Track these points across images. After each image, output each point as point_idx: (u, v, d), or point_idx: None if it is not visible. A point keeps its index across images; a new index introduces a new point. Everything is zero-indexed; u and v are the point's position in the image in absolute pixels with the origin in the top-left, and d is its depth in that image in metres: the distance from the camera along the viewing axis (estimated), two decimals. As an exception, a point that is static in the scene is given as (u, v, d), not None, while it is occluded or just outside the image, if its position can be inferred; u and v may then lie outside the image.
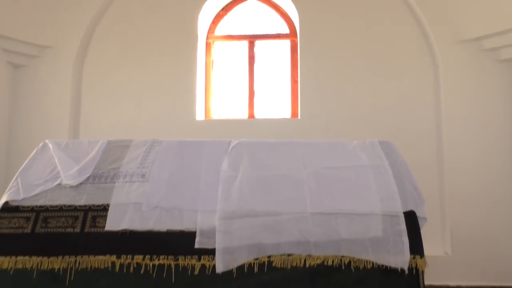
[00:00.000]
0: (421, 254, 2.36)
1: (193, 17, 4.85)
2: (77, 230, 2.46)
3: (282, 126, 4.67)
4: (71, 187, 2.61)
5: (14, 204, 2.58)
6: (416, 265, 2.33)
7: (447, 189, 4.30)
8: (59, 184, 2.63)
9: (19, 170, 2.77)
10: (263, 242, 2.35)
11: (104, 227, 2.45)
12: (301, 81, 4.69)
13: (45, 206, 2.56)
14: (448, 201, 4.28)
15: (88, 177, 2.66)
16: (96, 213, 2.51)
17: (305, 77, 4.68)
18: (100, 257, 2.37)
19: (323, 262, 2.32)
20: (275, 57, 5.04)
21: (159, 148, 2.81)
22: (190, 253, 2.35)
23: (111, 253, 2.37)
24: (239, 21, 5.12)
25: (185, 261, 2.33)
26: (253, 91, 4.94)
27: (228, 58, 5.10)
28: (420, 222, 2.50)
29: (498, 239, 4.16)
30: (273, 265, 2.32)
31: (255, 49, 5.00)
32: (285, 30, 5.03)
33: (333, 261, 2.32)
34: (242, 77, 4.99)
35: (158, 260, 2.34)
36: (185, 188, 2.58)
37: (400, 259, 2.31)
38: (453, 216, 4.24)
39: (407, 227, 2.37)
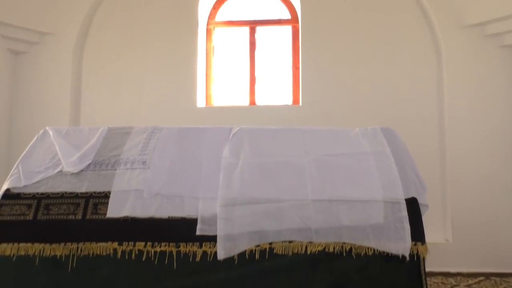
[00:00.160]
0: (423, 241, 2.35)
1: (193, 2, 4.81)
2: (79, 217, 2.46)
3: (283, 113, 4.66)
4: (72, 174, 2.61)
5: (16, 191, 2.58)
6: (417, 252, 2.33)
7: (449, 177, 4.30)
8: (60, 171, 2.63)
9: (20, 157, 2.77)
10: (264, 229, 2.35)
11: (105, 214, 2.45)
12: (302, 67, 4.66)
13: (46, 193, 2.56)
14: (450, 188, 4.28)
15: (89, 164, 2.65)
16: (97, 200, 2.50)
17: (307, 63, 4.65)
18: (102, 244, 2.37)
19: (324, 249, 2.32)
20: (277, 43, 5.00)
21: (160, 135, 2.80)
22: (191, 240, 2.35)
23: (112, 240, 2.37)
24: (240, 6, 5.08)
25: (186, 248, 2.34)
26: (254, 77, 4.92)
27: (229, 44, 5.06)
28: (422, 209, 2.49)
29: (499, 227, 4.17)
30: (274, 252, 2.32)
31: (256, 35, 4.96)
32: (287, 15, 4.99)
33: (334, 248, 2.32)
34: (243, 64, 4.96)
35: (160, 247, 2.34)
36: (186, 175, 2.58)
37: (401, 245, 2.31)
38: (454, 203, 4.25)
39: (408, 214, 2.36)
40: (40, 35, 4.73)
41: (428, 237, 2.41)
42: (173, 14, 4.80)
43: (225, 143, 2.71)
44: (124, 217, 2.43)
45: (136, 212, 2.44)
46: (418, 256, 2.32)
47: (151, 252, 2.34)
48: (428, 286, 2.44)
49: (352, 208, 2.39)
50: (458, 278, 3.80)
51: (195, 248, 2.33)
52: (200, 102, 4.79)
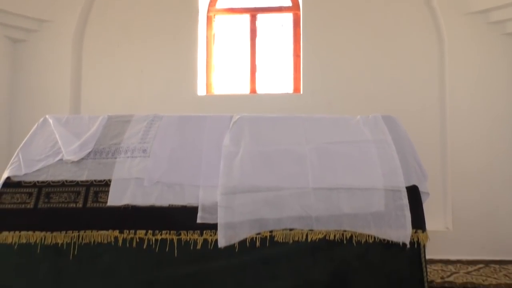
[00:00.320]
0: (423, 228, 2.36)
1: (193, -11, 4.76)
2: (80, 205, 2.46)
3: (284, 101, 4.64)
4: (72, 162, 2.61)
5: (16, 179, 2.58)
6: (418, 239, 2.33)
7: (449, 165, 4.30)
8: (61, 160, 2.63)
9: (20, 146, 2.76)
10: (264, 217, 2.36)
11: (106, 202, 2.45)
12: (303, 55, 4.64)
13: (47, 181, 2.56)
14: (450, 176, 4.28)
15: (89, 153, 2.65)
16: (98, 189, 2.51)
17: (308, 51, 4.62)
18: (103, 232, 2.38)
19: (325, 236, 2.33)
20: (277, 31, 4.97)
21: (160, 124, 2.79)
22: (192, 228, 2.35)
23: (113, 228, 2.38)
24: (240, -7, 5.02)
25: (187, 236, 2.34)
26: (255, 65, 4.89)
27: (230, 32, 5.02)
28: (423, 197, 2.49)
29: (498, 216, 4.18)
30: (275, 239, 2.33)
31: (257, 23, 4.92)
32: (288, 3, 4.94)
33: (335, 236, 2.32)
34: (244, 52, 4.93)
35: (161, 235, 2.35)
36: (187, 164, 2.58)
37: (402, 233, 2.31)
38: (454, 191, 4.25)
39: (409, 202, 2.36)
40: (39, 22, 4.69)
41: (428, 225, 2.41)
42: (173, 1, 4.76)
43: (225, 131, 2.71)
44: (125, 205, 2.44)
45: (137, 200, 2.45)
46: (418, 244, 2.33)
47: (152, 240, 2.35)
48: (428, 273, 2.45)
49: (353, 196, 2.39)
50: (458, 265, 3.81)
51: (196, 236, 2.34)
52: (201, 90, 4.77)
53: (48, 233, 2.39)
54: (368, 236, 2.32)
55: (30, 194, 2.52)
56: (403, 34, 4.54)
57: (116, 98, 4.69)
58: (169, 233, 2.35)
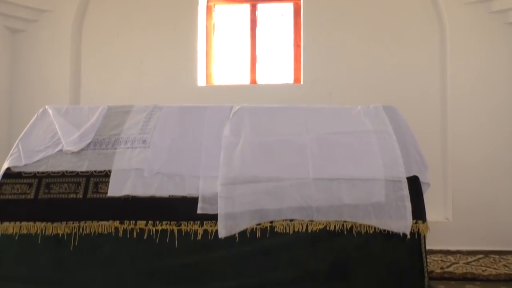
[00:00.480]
0: (423, 219, 2.36)
1: (193, -22, 4.72)
2: (80, 196, 2.46)
3: (284, 92, 4.62)
4: (72, 153, 2.60)
5: (16, 170, 2.58)
6: (418, 230, 2.33)
7: (450, 156, 4.29)
8: (60, 150, 2.62)
9: (20, 137, 2.76)
10: (265, 207, 2.36)
11: (106, 193, 2.45)
12: (304, 45, 4.61)
13: (47, 172, 2.56)
14: (451, 167, 4.27)
15: (89, 143, 2.64)
16: (98, 179, 2.51)
17: (308, 41, 4.59)
18: (104, 223, 2.38)
19: (325, 227, 2.33)
20: (278, 21, 4.93)
21: (160, 114, 2.78)
22: (192, 219, 2.36)
23: (114, 219, 2.38)
24: (240, -18, 4.98)
25: (187, 226, 2.35)
26: (255, 56, 4.86)
27: (230, 22, 4.99)
28: (423, 187, 2.49)
29: (499, 206, 4.19)
30: (275, 230, 2.33)
31: (257, 12, 4.89)
32: (288, -8, 4.90)
33: (335, 226, 2.33)
34: (244, 42, 4.90)
35: (161, 225, 2.36)
36: (187, 154, 2.57)
37: (402, 224, 2.31)
38: (455, 182, 4.25)
39: (410, 192, 2.36)
40: (38, 12, 4.66)
41: (428, 216, 2.41)
42: (173, -10, 4.73)
43: (225, 121, 2.70)
44: (125, 196, 2.43)
45: (137, 191, 2.44)
46: (418, 234, 2.33)
47: (152, 231, 2.35)
48: (428, 263, 2.45)
49: (354, 186, 2.39)
50: (458, 255, 3.83)
51: (196, 227, 2.34)
52: (201, 81, 4.75)
53: (49, 223, 2.39)
54: (369, 226, 2.32)
55: (30, 184, 2.52)
56: (405, 24, 4.51)
57: (116, 89, 4.67)
58: (170, 224, 2.36)
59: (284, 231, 2.33)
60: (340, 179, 2.41)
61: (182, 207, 2.39)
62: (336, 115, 2.77)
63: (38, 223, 2.40)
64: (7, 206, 2.47)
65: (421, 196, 2.42)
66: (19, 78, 4.68)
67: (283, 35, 4.90)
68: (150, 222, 2.36)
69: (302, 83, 4.62)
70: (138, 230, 2.35)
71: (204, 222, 2.35)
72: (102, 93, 4.66)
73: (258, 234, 2.32)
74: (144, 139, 2.64)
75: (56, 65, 4.66)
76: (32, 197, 2.48)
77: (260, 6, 4.90)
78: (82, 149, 2.62)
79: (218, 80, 4.92)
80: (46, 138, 2.71)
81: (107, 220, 2.38)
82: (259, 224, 2.34)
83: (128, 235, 2.35)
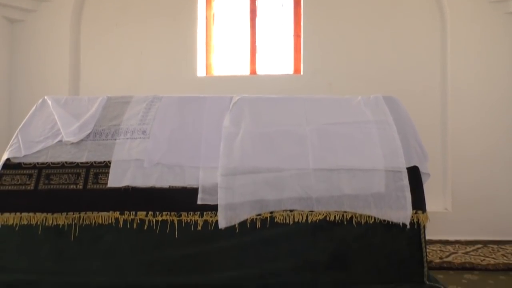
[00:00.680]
0: (423, 209, 2.36)
1: (192, -32, 4.68)
2: (80, 187, 2.46)
3: (284, 82, 4.61)
4: (72, 144, 2.60)
5: (16, 161, 2.57)
6: (418, 220, 2.33)
7: (450, 146, 4.29)
8: (60, 141, 2.62)
9: (19, 127, 2.75)
10: (265, 198, 2.36)
11: (106, 183, 2.45)
12: (304, 36, 4.59)
13: (46, 163, 2.55)
14: (450, 158, 4.28)
15: (89, 134, 2.64)
16: (98, 170, 2.50)
17: (308, 31, 4.57)
18: (104, 214, 2.38)
19: (325, 217, 2.33)
20: (278, 11, 4.90)
21: (159, 104, 2.77)
22: (192, 209, 2.36)
23: (114, 210, 2.38)
24: (240, -28, 4.94)
25: (187, 217, 2.35)
26: (255, 46, 4.84)
27: (230, 12, 4.95)
28: (423, 178, 2.49)
29: (497, 197, 4.20)
30: (275, 220, 2.33)
31: (257, 3, 4.85)
32: (288, -18, 4.86)
33: (335, 217, 2.33)
34: (244, 32, 4.87)
35: (161, 216, 2.36)
36: (187, 145, 2.57)
37: (402, 214, 2.31)
38: (454, 172, 4.25)
39: (410, 183, 2.36)
40: (37, 2, 4.63)
41: (428, 206, 2.41)
42: (172, -20, 4.69)
43: (225, 112, 2.69)
44: (125, 186, 2.43)
45: (137, 181, 2.44)
46: (418, 224, 2.33)
47: (152, 221, 2.35)
48: (427, 253, 2.46)
49: (354, 177, 2.39)
50: (457, 245, 3.84)
51: (196, 217, 2.34)
52: (200, 71, 4.73)
53: (49, 214, 2.39)
54: (369, 217, 2.33)
55: (30, 175, 2.51)
56: (405, 14, 4.48)
57: (115, 79, 4.66)
58: (170, 215, 2.36)
59: (284, 221, 2.33)
60: (340, 169, 2.41)
61: (182, 198, 2.39)
62: (336, 105, 2.75)
63: (38, 214, 2.39)
64: (7, 197, 2.47)
65: (421, 186, 2.42)
66: (18, 68, 4.66)
67: (283, 26, 4.87)
68: (150, 213, 2.36)
69: (302, 73, 4.61)
70: (138, 221, 2.35)
71: (204, 213, 2.35)
72: (101, 84, 4.65)
73: (258, 225, 2.32)
74: (143, 129, 2.63)
75: (55, 55, 4.64)
76: (32, 188, 2.48)
77: (260, -4, 4.87)
78: (82, 140, 2.61)
79: (218, 70, 4.90)
80: (45, 129, 2.70)
81: (107, 211, 2.38)
82: (259, 215, 2.34)
83: (128, 226, 2.35)
